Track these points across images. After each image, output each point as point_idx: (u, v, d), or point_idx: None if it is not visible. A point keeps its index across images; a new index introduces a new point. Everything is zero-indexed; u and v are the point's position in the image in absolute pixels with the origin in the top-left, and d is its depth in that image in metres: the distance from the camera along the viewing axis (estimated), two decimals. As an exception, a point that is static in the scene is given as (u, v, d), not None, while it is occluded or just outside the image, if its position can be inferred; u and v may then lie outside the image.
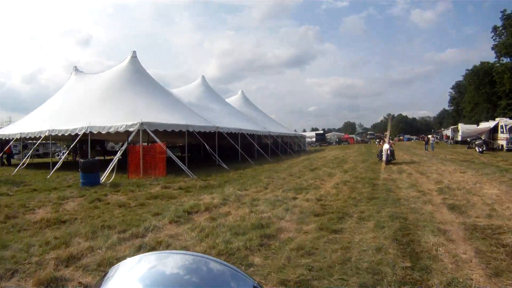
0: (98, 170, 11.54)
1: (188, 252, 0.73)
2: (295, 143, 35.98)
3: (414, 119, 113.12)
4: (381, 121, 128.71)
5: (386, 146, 14.69)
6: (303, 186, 9.07)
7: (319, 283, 3.08)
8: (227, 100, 31.95)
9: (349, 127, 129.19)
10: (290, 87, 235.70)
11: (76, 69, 22.50)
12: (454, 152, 25.52)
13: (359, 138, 64.94)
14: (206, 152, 19.77)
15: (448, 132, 44.68)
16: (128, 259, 0.72)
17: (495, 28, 41.03)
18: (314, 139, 54.25)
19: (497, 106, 41.40)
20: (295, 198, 7.40)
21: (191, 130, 16.30)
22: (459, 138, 39.02)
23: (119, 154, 14.36)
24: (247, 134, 22.29)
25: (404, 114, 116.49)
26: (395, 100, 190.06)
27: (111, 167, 13.18)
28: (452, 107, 70.87)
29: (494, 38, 41.59)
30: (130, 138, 14.24)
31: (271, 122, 34.74)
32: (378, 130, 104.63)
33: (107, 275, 0.69)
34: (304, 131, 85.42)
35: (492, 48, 41.52)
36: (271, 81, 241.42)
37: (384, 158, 14.59)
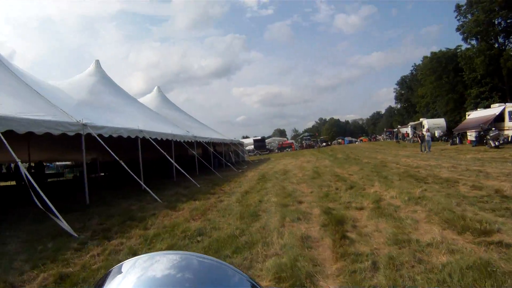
0: None
1: (177, 252, 0.68)
2: (233, 152, 26.28)
3: (347, 122, 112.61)
4: (313, 126, 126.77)
5: None
6: None
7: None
8: (140, 100, 21.26)
9: (280, 135, 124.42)
10: (218, 98, 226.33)
11: None
12: (459, 151, 18.40)
13: (302, 144, 56.77)
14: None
15: (405, 129, 39.51)
16: (114, 267, 0.66)
17: (458, 7, 36.77)
18: (252, 147, 45.13)
19: (462, 96, 37.08)
20: None
21: (21, 131, 5.79)
22: (426, 135, 33.52)
23: None
24: (152, 138, 11.96)
25: (335, 118, 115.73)
26: (323, 105, 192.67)
27: None
28: (400, 104, 68.15)
29: (458, 18, 37.50)
30: None
31: (200, 126, 24.72)
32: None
33: None
34: (237, 139, 76.70)
35: (457, 30, 37.14)
36: (198, 92, 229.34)
37: None
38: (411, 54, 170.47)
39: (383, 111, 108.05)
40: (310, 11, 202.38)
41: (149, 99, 23.51)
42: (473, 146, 20.42)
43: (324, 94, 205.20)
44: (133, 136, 11.28)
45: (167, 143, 14.18)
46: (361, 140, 65.12)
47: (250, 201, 7.16)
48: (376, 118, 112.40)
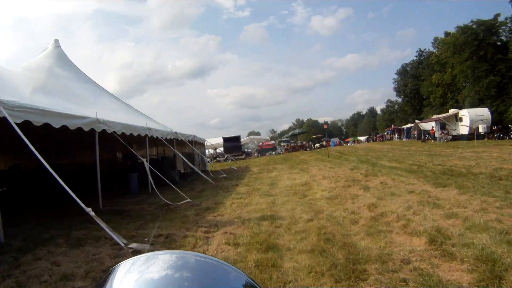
0: None
1: (174, 251, 0.68)
2: (173, 162, 13.87)
3: (325, 122, 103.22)
4: (290, 127, 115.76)
5: None
6: None
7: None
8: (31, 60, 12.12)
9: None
10: (192, 99, 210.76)
11: None
12: None
13: (289, 144, 43.03)
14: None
15: (429, 125, 28.85)
16: (117, 265, 0.64)
17: None
18: (221, 150, 32.09)
19: (502, 79, 26.98)
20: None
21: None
22: (465, 131, 23.32)
23: None
24: None
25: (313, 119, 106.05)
26: (297, 107, 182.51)
27: None
28: (401, 97, 57.90)
29: None
30: None
31: (118, 106, 12.55)
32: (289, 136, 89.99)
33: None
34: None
35: None
36: (172, 94, 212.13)
37: None
38: (386, 57, 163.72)
39: (363, 112, 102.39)
40: (287, 14, 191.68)
41: (43, 57, 12.63)
42: None
43: (298, 95, 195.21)
44: None
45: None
46: (353, 141, 54.23)
47: None
48: (356, 119, 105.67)
